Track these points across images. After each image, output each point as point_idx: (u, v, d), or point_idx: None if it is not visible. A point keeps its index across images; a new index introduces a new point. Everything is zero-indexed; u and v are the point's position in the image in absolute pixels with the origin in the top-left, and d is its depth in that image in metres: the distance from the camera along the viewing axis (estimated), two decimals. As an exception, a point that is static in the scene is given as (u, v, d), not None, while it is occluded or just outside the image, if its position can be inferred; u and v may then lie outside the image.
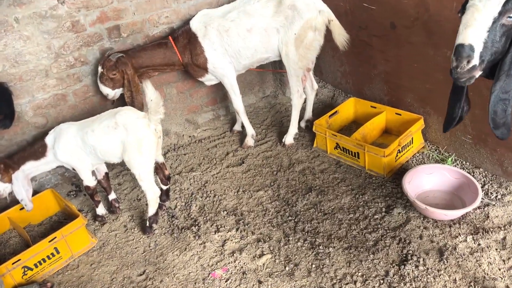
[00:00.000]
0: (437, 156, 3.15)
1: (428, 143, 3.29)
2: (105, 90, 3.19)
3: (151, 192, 2.76)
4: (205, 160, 3.63)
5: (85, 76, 3.29)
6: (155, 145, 2.70)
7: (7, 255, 2.82)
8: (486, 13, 1.48)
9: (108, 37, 3.28)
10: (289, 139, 3.59)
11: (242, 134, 3.87)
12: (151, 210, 2.84)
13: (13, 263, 2.52)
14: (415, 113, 3.27)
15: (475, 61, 1.51)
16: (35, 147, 2.80)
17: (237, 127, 3.94)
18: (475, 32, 1.49)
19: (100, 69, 3.12)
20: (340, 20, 3.29)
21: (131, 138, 2.61)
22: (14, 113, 2.90)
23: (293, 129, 3.58)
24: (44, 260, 2.65)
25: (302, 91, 3.42)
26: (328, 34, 3.27)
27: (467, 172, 2.86)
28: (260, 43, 3.24)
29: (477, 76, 1.58)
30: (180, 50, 3.30)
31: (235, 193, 3.18)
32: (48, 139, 2.80)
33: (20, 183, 2.71)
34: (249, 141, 3.66)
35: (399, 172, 3.09)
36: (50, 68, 3.12)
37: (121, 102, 3.30)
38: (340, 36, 3.18)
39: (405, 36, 3.12)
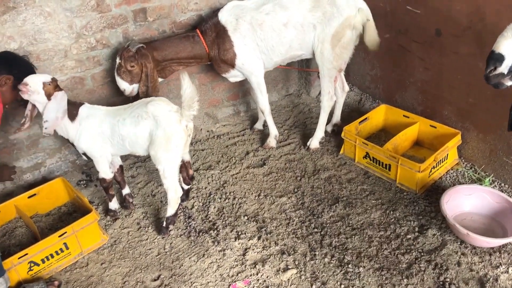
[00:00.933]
0: (473, 175, 2.97)
1: (463, 160, 3.11)
2: (122, 84, 2.92)
3: (173, 191, 2.58)
4: (224, 158, 3.44)
5: (106, 60, 3.08)
6: (184, 142, 2.51)
7: (12, 247, 2.64)
8: None
9: (133, 20, 3.06)
10: (314, 142, 3.40)
11: (263, 133, 3.68)
12: (171, 211, 2.66)
13: (19, 258, 2.34)
14: (452, 127, 3.09)
15: (503, 69, 1.65)
16: (70, 107, 2.55)
17: (258, 126, 3.74)
18: (508, 43, 1.62)
19: (118, 60, 2.86)
20: (378, 22, 3.08)
21: (160, 132, 2.42)
22: None
23: (319, 133, 3.39)
24: (52, 256, 2.47)
25: (333, 93, 3.23)
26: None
27: (509, 196, 2.69)
28: (295, 39, 3.03)
29: (508, 84, 1.71)
30: (208, 44, 3.08)
31: (256, 197, 3.00)
32: (82, 111, 2.58)
33: (58, 104, 2.46)
34: (272, 142, 3.47)
35: (432, 189, 2.91)
36: (70, 48, 2.90)
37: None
38: (371, 37, 2.99)
39: (451, 45, 2.92)
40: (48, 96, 2.41)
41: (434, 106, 3.26)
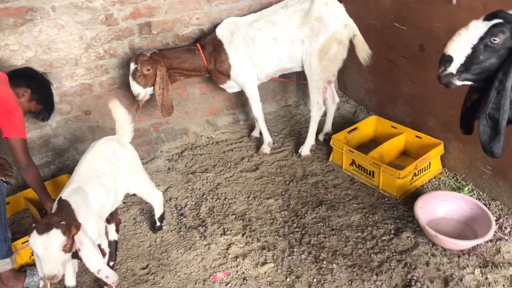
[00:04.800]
0: (454, 184, 3.08)
1: (446, 170, 3.23)
2: (137, 88, 3.16)
3: (159, 196, 2.87)
4: (220, 162, 3.66)
5: (113, 69, 3.37)
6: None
7: (18, 234, 2.90)
8: (471, 32, 1.73)
9: (138, 33, 3.36)
10: (305, 150, 3.58)
11: (259, 140, 3.88)
12: (160, 210, 2.91)
13: (22, 243, 2.60)
14: (436, 138, 3.22)
15: (451, 69, 1.79)
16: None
17: (255, 133, 3.96)
18: (456, 46, 1.77)
19: (133, 65, 3.11)
20: (370, 38, 3.28)
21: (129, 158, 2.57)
22: (53, 107, 2.94)
23: (310, 141, 3.57)
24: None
25: (322, 103, 3.42)
26: (352, 51, 3.27)
27: (483, 203, 2.79)
28: (285, 52, 3.26)
29: (457, 83, 1.84)
30: (206, 57, 3.34)
31: (246, 199, 3.19)
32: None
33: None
34: (265, 148, 3.67)
35: (413, 195, 3.04)
36: (80, 57, 3.21)
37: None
38: (363, 51, 3.17)
39: (433, 59, 3.05)
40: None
41: (420, 118, 3.40)
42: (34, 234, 1.80)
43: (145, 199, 2.83)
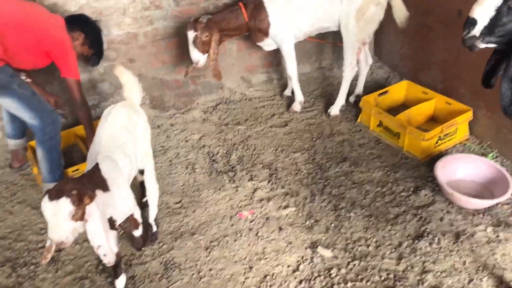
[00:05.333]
0: (479, 150, 3.15)
1: (473, 137, 3.28)
2: (197, 55, 3.28)
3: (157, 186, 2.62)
4: (252, 117, 3.84)
5: (157, 20, 3.56)
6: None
7: (67, 166, 3.22)
8: None
9: (183, -13, 3.52)
10: (335, 110, 3.70)
11: (291, 99, 4.02)
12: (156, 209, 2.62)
13: (72, 171, 2.90)
14: (466, 105, 3.26)
15: (475, 32, 1.83)
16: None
17: (287, 92, 4.09)
18: (481, 8, 1.79)
19: (192, 33, 3.21)
20: (408, 1, 3.30)
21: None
22: (103, 53, 3.11)
23: (340, 101, 3.68)
24: (97, 175, 3.01)
25: (355, 64, 3.51)
26: (390, 15, 3.30)
27: (505, 169, 2.85)
28: (323, 11, 3.34)
29: (480, 46, 1.87)
30: (248, 16, 3.45)
31: (274, 151, 3.38)
32: None
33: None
34: (296, 106, 3.82)
35: (436, 158, 3.10)
36: (128, 7, 3.41)
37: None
38: (401, 12, 3.22)
39: (469, 25, 3.08)
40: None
41: (452, 84, 3.43)
42: (45, 198, 1.78)
43: (147, 183, 2.55)
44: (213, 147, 3.47)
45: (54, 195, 1.76)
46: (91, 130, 2.88)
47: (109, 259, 2.03)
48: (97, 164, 2.06)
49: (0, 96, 2.49)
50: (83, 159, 3.22)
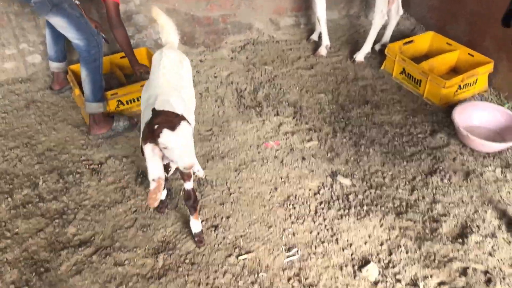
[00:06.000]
0: (496, 101, 3.29)
1: (492, 89, 3.41)
2: None
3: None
4: (279, 59, 3.97)
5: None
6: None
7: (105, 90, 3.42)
8: None
9: None
10: (360, 56, 3.82)
11: (317, 44, 4.12)
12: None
13: (111, 95, 3.11)
14: (489, 57, 3.36)
15: None
16: None
17: (314, 37, 4.19)
18: None
19: None
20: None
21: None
22: None
23: (366, 47, 3.79)
24: (133, 100, 3.21)
25: (385, 12, 3.58)
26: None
27: (519, 118, 3.01)
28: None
29: None
30: None
31: (299, 91, 3.54)
32: None
33: None
34: (323, 50, 3.93)
35: (454, 106, 3.28)
36: None
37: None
38: None
39: (502, -24, 3.13)
40: None
41: (477, 37, 3.51)
42: (166, 132, 1.81)
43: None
44: (241, 84, 3.63)
45: (172, 126, 1.83)
46: (132, 52, 3.06)
47: (202, 174, 2.22)
48: (154, 109, 1.96)
49: (53, 14, 2.63)
50: (120, 85, 3.43)
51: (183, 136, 1.85)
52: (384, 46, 3.96)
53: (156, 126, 1.83)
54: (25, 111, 3.27)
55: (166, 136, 1.82)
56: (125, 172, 2.78)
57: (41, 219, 2.45)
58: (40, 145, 2.97)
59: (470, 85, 3.33)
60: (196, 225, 2.27)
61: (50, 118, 3.23)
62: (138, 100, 3.23)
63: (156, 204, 1.91)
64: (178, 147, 1.84)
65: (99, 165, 2.82)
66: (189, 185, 2.15)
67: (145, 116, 2.02)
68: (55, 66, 3.35)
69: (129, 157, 2.88)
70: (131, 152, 2.93)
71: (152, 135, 1.85)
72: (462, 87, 3.28)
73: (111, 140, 3.03)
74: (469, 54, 3.48)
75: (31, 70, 3.62)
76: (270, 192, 2.61)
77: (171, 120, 1.86)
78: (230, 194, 2.61)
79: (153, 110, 1.92)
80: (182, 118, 1.88)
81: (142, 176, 2.72)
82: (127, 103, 3.21)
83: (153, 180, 1.90)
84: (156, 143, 1.86)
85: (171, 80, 2.24)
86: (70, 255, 2.25)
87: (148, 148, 1.90)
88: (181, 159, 1.86)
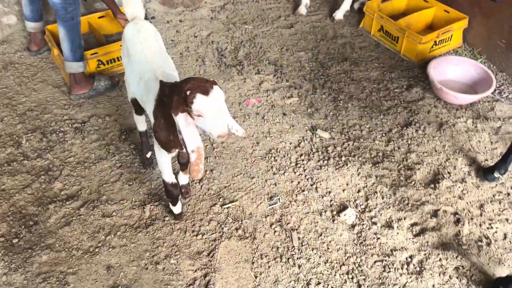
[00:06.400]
0: (470, 56, 3.39)
1: (466, 45, 3.51)
2: None
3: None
4: (259, 18, 3.96)
5: None
6: None
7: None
8: None
9: None
10: (339, 14, 3.85)
11: (297, 3, 4.12)
12: None
13: (91, 54, 3.09)
14: (464, 13, 3.44)
15: None
16: None
17: (293, -4, 4.19)
18: None
19: None
20: None
21: None
22: None
23: (345, 6, 3.82)
24: (114, 60, 3.20)
25: (363, -30, 3.59)
26: None
27: (490, 71, 3.12)
28: None
29: None
30: None
31: (279, 50, 3.57)
32: None
33: None
34: (302, 9, 3.94)
35: (430, 62, 3.37)
36: None
37: None
38: None
39: None
40: None
41: (454, -6, 3.58)
42: (200, 97, 1.64)
43: None
44: (222, 43, 3.64)
45: (206, 90, 1.66)
46: (113, 2, 2.99)
47: (241, 133, 1.89)
48: (161, 81, 1.91)
49: (27, -30, 2.58)
50: (98, 45, 3.40)
51: (217, 100, 1.68)
52: (362, 4, 3.98)
53: (188, 92, 1.66)
54: (3, 72, 3.22)
55: (200, 101, 1.65)
56: (108, 130, 2.81)
57: (27, 175, 2.48)
58: (21, 105, 2.96)
59: (445, 41, 3.41)
60: (183, 178, 2.35)
61: (30, 79, 3.20)
62: (119, 60, 3.21)
63: (200, 175, 1.76)
64: (213, 113, 1.67)
65: (82, 124, 2.84)
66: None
67: (145, 90, 1.97)
68: (31, 26, 3.29)
69: (112, 116, 2.90)
70: (114, 111, 2.95)
71: (184, 102, 1.67)
72: (437, 43, 3.37)
73: (93, 100, 3.03)
74: (445, 10, 3.55)
75: (7, 31, 3.54)
76: (252, 146, 2.69)
77: (203, 85, 1.68)
78: (214, 149, 2.67)
79: (162, 82, 1.82)
80: (214, 82, 1.72)
81: (126, 133, 2.76)
82: (108, 63, 3.20)
83: (192, 151, 1.73)
84: (189, 111, 1.70)
85: (157, 51, 2.16)
86: (58, 209, 2.31)
87: (181, 118, 1.71)
88: (215, 127, 1.69)
